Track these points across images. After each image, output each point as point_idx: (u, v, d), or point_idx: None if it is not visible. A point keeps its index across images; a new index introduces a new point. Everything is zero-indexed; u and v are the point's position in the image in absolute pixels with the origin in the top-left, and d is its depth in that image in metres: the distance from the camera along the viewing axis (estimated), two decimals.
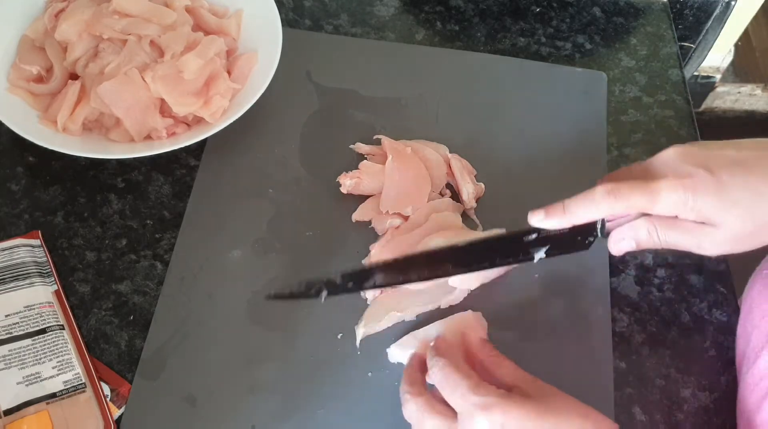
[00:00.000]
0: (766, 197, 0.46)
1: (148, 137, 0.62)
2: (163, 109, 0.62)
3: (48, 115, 0.61)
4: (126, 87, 0.60)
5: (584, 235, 0.51)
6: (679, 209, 0.47)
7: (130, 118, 0.60)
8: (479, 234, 0.54)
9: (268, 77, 0.63)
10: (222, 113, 0.62)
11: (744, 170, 0.46)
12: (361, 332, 0.56)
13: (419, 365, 0.51)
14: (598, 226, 0.50)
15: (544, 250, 0.51)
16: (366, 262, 0.58)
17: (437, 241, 0.53)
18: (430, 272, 0.51)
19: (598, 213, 0.48)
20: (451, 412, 0.46)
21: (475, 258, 0.51)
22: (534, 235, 0.50)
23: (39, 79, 0.64)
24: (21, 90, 0.63)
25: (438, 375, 0.47)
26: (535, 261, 0.51)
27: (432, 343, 0.51)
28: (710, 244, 0.48)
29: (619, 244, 0.51)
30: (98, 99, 0.60)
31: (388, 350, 0.54)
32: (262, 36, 0.67)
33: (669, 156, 0.48)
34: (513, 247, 0.51)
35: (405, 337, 0.54)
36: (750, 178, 0.46)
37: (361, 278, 0.50)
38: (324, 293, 0.48)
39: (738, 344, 0.57)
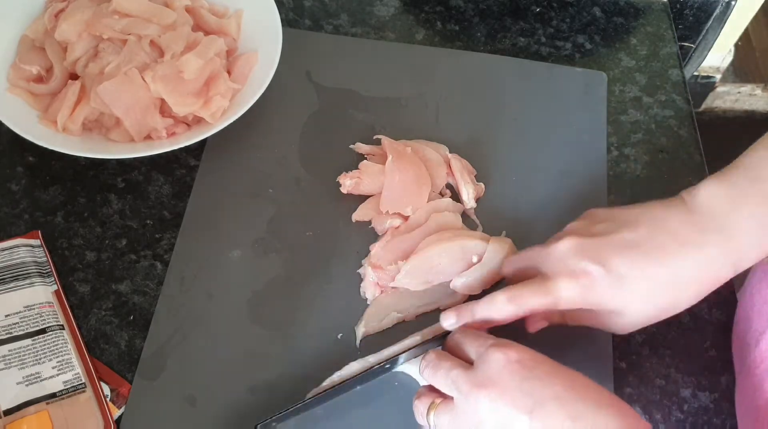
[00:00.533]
0: (663, 283, 0.47)
1: (148, 137, 0.62)
2: (163, 109, 0.62)
3: (48, 115, 0.61)
4: (126, 87, 0.60)
5: None
6: (579, 305, 0.48)
7: (130, 118, 0.60)
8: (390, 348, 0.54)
9: (268, 77, 0.63)
10: (222, 113, 0.62)
11: (639, 256, 0.47)
12: (361, 332, 0.56)
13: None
14: None
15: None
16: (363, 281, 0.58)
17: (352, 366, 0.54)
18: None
19: (502, 318, 0.49)
20: (467, 363, 0.47)
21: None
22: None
23: (39, 79, 0.64)
24: (21, 90, 0.63)
25: (457, 334, 0.49)
26: None
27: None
28: (618, 327, 0.49)
29: (534, 325, 0.53)
30: (98, 99, 0.60)
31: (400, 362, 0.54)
32: (262, 36, 0.67)
33: (564, 250, 0.48)
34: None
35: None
36: (646, 266, 0.47)
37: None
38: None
39: (736, 331, 0.57)
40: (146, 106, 0.60)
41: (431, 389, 0.49)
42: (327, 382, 0.53)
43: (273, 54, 0.65)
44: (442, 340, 0.52)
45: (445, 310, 0.51)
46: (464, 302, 0.57)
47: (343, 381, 0.52)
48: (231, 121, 0.61)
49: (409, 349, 0.52)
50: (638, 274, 0.46)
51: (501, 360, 0.45)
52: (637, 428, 0.43)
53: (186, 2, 0.66)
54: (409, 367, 0.54)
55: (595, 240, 0.48)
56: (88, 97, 0.60)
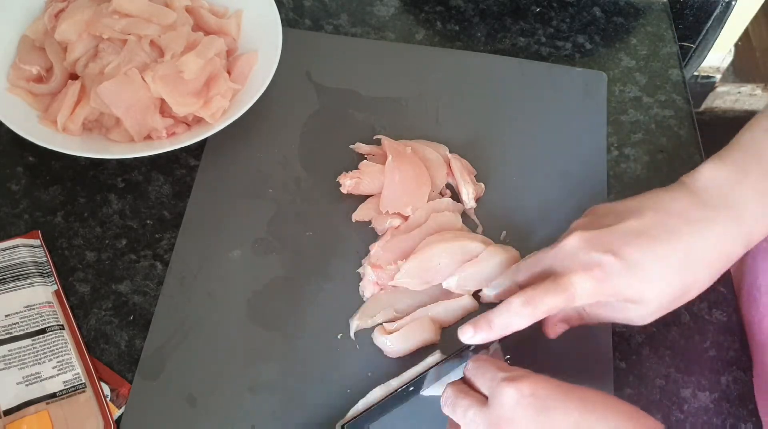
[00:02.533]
0: (676, 265, 0.47)
1: (148, 137, 0.62)
2: (163, 109, 0.62)
3: (48, 115, 0.61)
4: (126, 87, 0.60)
5: None
6: (597, 298, 0.47)
7: (130, 118, 0.60)
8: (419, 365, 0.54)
9: (268, 77, 0.63)
10: (222, 113, 0.62)
11: (650, 241, 0.46)
12: (355, 325, 0.56)
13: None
14: None
15: (496, 342, 0.53)
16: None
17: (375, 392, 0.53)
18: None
19: (521, 323, 0.48)
20: (483, 398, 0.47)
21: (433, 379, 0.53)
22: (473, 347, 0.51)
23: (39, 79, 0.64)
24: (21, 90, 0.62)
25: (471, 366, 0.49)
26: (491, 351, 0.54)
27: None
28: (637, 318, 0.49)
29: (554, 329, 0.53)
30: (98, 99, 0.59)
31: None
32: (262, 36, 0.67)
33: (572, 246, 0.48)
34: (461, 356, 0.52)
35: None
36: (657, 250, 0.46)
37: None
38: None
39: (747, 318, 0.58)
40: (146, 106, 0.60)
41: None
42: (352, 412, 0.52)
43: (273, 54, 0.65)
44: (463, 355, 0.51)
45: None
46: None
47: (369, 408, 0.51)
48: (231, 121, 0.61)
49: (431, 367, 0.52)
50: (651, 259, 0.46)
51: (513, 396, 0.44)
52: None
53: (186, 2, 0.66)
54: (434, 390, 0.53)
55: (603, 232, 0.48)
56: (88, 97, 0.60)
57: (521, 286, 0.53)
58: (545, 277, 0.49)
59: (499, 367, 0.47)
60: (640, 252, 0.46)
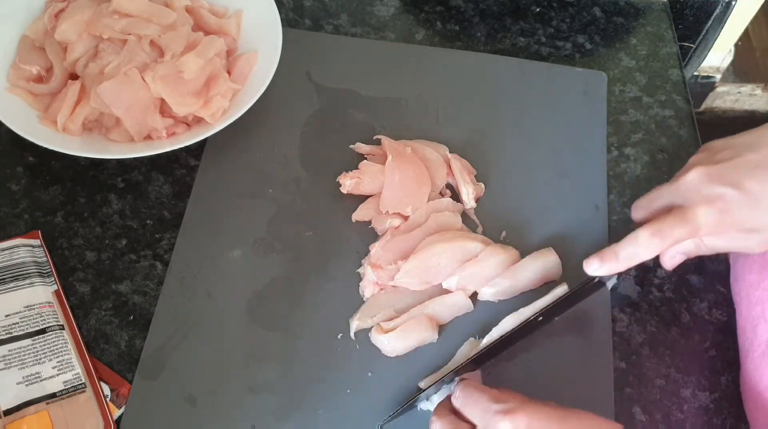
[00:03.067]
0: None
1: (148, 137, 0.62)
2: (163, 109, 0.62)
3: (48, 115, 0.61)
4: (126, 87, 0.60)
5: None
6: (720, 229, 0.49)
7: (130, 118, 0.60)
8: (540, 301, 0.55)
9: (268, 77, 0.63)
10: (222, 113, 0.62)
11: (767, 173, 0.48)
12: (355, 325, 0.56)
13: (447, 402, 0.51)
14: None
15: (615, 277, 0.55)
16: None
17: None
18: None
19: (648, 254, 0.50)
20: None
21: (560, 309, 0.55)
22: (595, 280, 0.53)
23: (39, 79, 0.64)
24: (21, 90, 0.62)
25: (460, 395, 0.47)
26: (609, 287, 0.58)
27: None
28: (757, 246, 0.50)
29: (672, 261, 0.54)
30: (98, 99, 0.59)
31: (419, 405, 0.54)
32: (262, 36, 0.67)
33: (694, 180, 0.50)
34: (581, 293, 0.55)
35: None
36: None
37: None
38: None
39: (738, 321, 0.58)
40: (146, 106, 0.60)
41: None
42: (486, 340, 0.54)
43: (273, 54, 0.65)
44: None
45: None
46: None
47: (502, 336, 0.53)
48: (231, 121, 0.61)
49: (560, 298, 0.54)
50: None
51: None
52: None
53: (186, 2, 0.66)
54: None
55: (723, 165, 0.49)
56: (88, 97, 0.60)
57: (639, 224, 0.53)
58: (665, 212, 0.51)
59: (491, 396, 0.46)
60: (760, 183, 0.48)
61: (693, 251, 0.54)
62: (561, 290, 0.55)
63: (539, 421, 0.43)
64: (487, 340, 0.54)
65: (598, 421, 0.45)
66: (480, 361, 0.53)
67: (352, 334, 0.56)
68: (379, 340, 0.55)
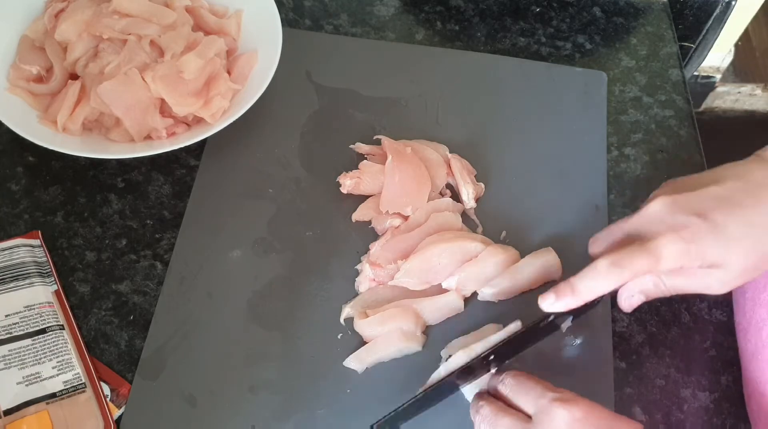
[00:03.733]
0: (761, 229, 0.46)
1: (148, 137, 0.62)
2: (163, 109, 0.62)
3: (48, 115, 0.61)
4: (126, 87, 0.60)
5: (595, 300, 0.51)
6: (683, 261, 0.47)
7: (130, 118, 0.60)
8: (494, 336, 0.53)
9: (268, 77, 0.63)
10: (222, 113, 0.62)
11: (734, 206, 0.47)
12: (346, 312, 0.57)
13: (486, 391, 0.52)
14: None
15: (570, 319, 0.54)
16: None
17: (458, 357, 0.52)
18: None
19: (606, 286, 0.48)
20: (524, 415, 0.46)
21: (509, 354, 0.53)
22: (549, 319, 0.51)
23: (39, 79, 0.64)
24: (21, 90, 0.62)
25: (511, 382, 0.48)
26: (564, 330, 0.55)
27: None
28: (718, 284, 0.48)
29: (630, 301, 0.52)
30: (98, 99, 0.59)
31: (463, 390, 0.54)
32: (262, 36, 0.67)
33: (657, 209, 0.48)
34: (534, 333, 0.52)
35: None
36: (742, 214, 0.46)
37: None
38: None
39: (737, 320, 0.58)
40: (146, 106, 0.60)
41: None
42: (434, 377, 0.52)
43: (273, 54, 0.65)
44: (531, 331, 0.51)
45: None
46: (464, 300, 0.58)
47: (450, 374, 0.51)
48: (231, 121, 0.61)
49: (511, 336, 0.52)
50: (736, 222, 0.46)
51: (565, 418, 0.44)
52: None
53: (186, 2, 0.66)
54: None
55: (688, 195, 0.48)
56: (88, 97, 0.60)
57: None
58: (625, 245, 0.48)
59: (545, 386, 0.47)
60: (725, 215, 0.46)
61: (652, 292, 0.51)
62: (514, 326, 0.53)
63: (594, 416, 0.44)
64: (434, 377, 0.52)
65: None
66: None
67: (341, 320, 0.56)
68: (359, 325, 0.55)
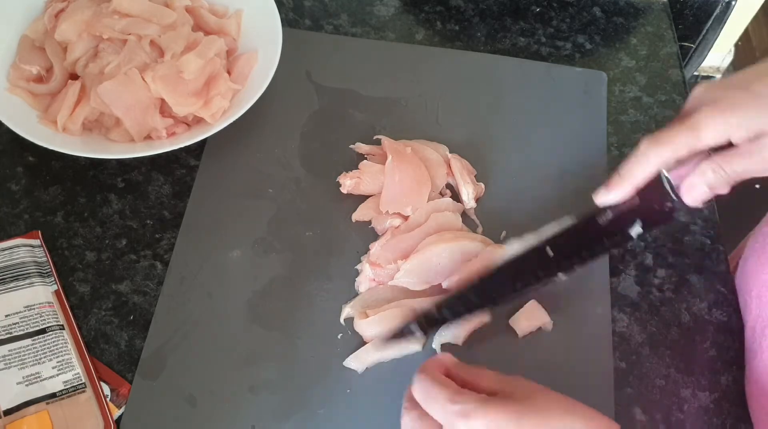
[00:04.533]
0: None
1: (148, 137, 0.62)
2: (163, 109, 0.62)
3: (48, 115, 0.61)
4: (126, 87, 0.60)
5: (661, 202, 0.49)
6: (727, 132, 0.46)
7: (130, 118, 0.60)
8: (546, 229, 0.52)
9: (268, 77, 0.63)
10: (222, 113, 0.62)
11: None
12: (345, 312, 0.57)
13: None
14: (667, 186, 0.49)
15: (638, 225, 0.50)
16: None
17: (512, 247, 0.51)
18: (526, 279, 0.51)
19: (650, 166, 0.47)
20: (438, 425, 0.44)
21: (569, 251, 0.51)
22: (608, 215, 0.49)
23: (39, 79, 0.64)
24: (21, 90, 0.62)
25: (419, 389, 0.45)
26: (635, 238, 0.51)
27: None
28: None
29: (692, 193, 0.49)
30: (98, 99, 0.59)
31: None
32: (262, 36, 0.67)
33: (697, 92, 0.48)
34: (598, 235, 0.50)
35: None
36: None
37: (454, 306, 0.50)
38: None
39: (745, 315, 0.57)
40: (146, 106, 0.60)
41: None
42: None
43: (273, 54, 0.65)
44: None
45: None
46: None
47: (506, 262, 0.49)
48: (231, 121, 0.61)
49: (567, 228, 0.50)
50: None
51: None
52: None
53: (186, 2, 0.66)
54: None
55: (725, 80, 0.48)
56: (88, 97, 0.60)
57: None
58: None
59: (448, 395, 0.44)
60: (764, 84, 0.46)
61: (713, 180, 0.48)
62: (567, 219, 0.50)
63: (496, 423, 0.42)
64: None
65: (567, 410, 0.43)
66: (487, 293, 0.50)
67: (341, 320, 0.56)
68: (359, 325, 0.55)
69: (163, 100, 0.61)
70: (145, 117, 0.61)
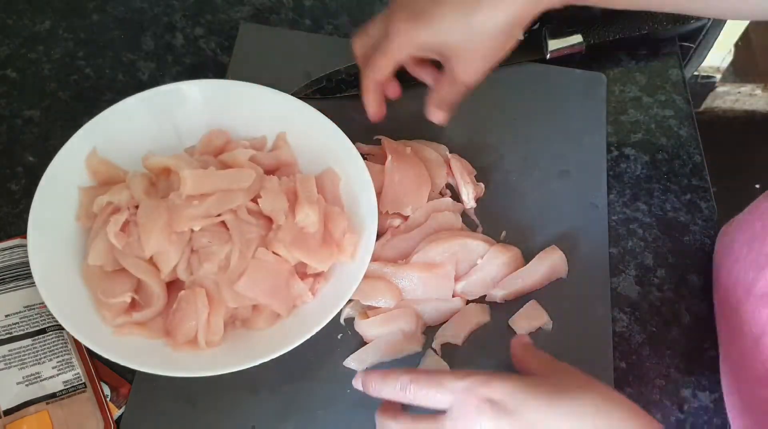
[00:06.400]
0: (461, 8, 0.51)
1: (293, 306, 0.56)
2: (297, 270, 0.55)
3: (176, 340, 0.52)
4: (264, 271, 0.53)
5: None
6: (413, 42, 0.54)
7: (277, 299, 0.54)
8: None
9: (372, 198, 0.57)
10: (355, 248, 0.55)
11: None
12: (346, 312, 0.57)
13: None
14: None
15: None
16: None
17: None
18: None
19: (379, 72, 0.57)
20: (433, 416, 0.45)
21: None
22: None
23: (130, 306, 0.53)
24: (130, 327, 0.52)
25: (413, 385, 0.45)
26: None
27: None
28: (466, 70, 0.55)
29: (436, 111, 0.59)
30: (238, 297, 0.52)
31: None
32: (314, 150, 0.61)
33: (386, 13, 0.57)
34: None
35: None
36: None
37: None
38: None
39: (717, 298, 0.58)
40: (287, 280, 0.54)
41: None
42: None
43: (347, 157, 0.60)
44: None
45: None
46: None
47: None
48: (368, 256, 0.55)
49: None
50: (436, 6, 0.51)
51: (473, 406, 0.42)
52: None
53: (249, 152, 0.57)
54: None
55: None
56: (217, 300, 0.53)
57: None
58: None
59: (451, 376, 0.45)
60: (435, 6, 0.51)
61: (445, 92, 0.58)
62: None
63: (504, 394, 0.42)
64: None
65: (600, 408, 0.43)
66: None
67: (342, 320, 0.56)
68: (360, 325, 0.56)
69: (298, 263, 0.55)
70: (288, 291, 0.54)
